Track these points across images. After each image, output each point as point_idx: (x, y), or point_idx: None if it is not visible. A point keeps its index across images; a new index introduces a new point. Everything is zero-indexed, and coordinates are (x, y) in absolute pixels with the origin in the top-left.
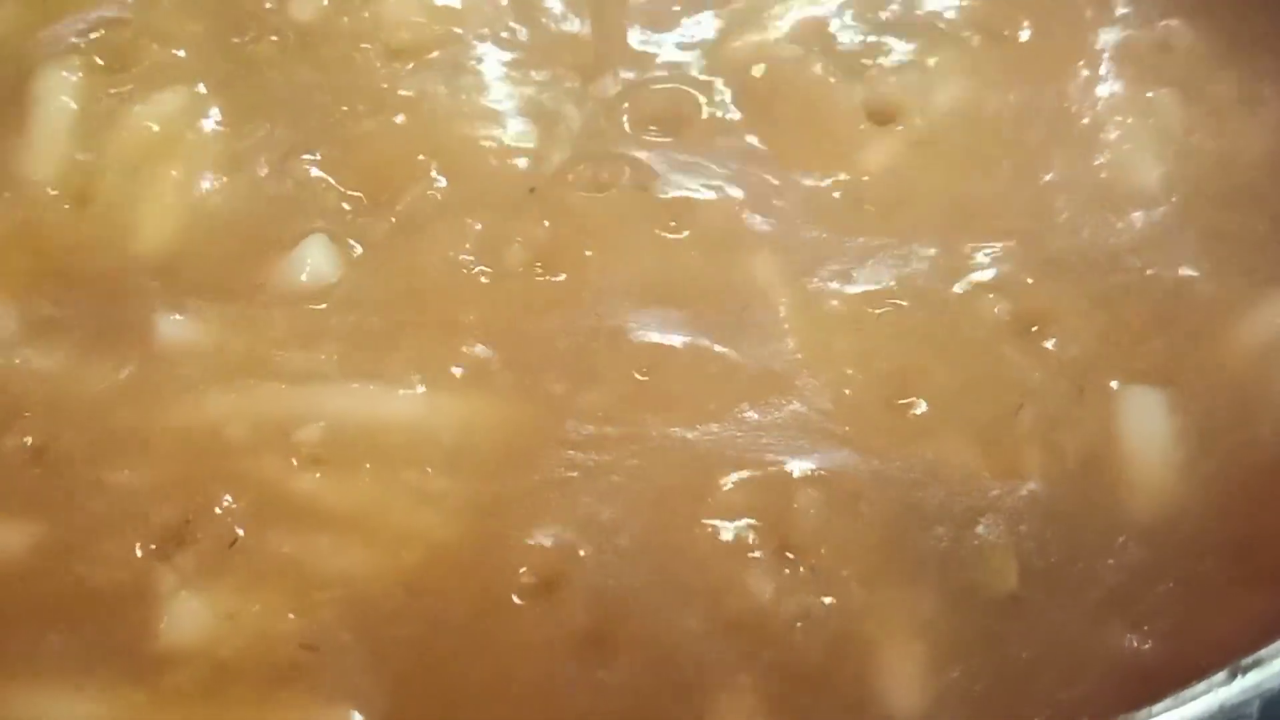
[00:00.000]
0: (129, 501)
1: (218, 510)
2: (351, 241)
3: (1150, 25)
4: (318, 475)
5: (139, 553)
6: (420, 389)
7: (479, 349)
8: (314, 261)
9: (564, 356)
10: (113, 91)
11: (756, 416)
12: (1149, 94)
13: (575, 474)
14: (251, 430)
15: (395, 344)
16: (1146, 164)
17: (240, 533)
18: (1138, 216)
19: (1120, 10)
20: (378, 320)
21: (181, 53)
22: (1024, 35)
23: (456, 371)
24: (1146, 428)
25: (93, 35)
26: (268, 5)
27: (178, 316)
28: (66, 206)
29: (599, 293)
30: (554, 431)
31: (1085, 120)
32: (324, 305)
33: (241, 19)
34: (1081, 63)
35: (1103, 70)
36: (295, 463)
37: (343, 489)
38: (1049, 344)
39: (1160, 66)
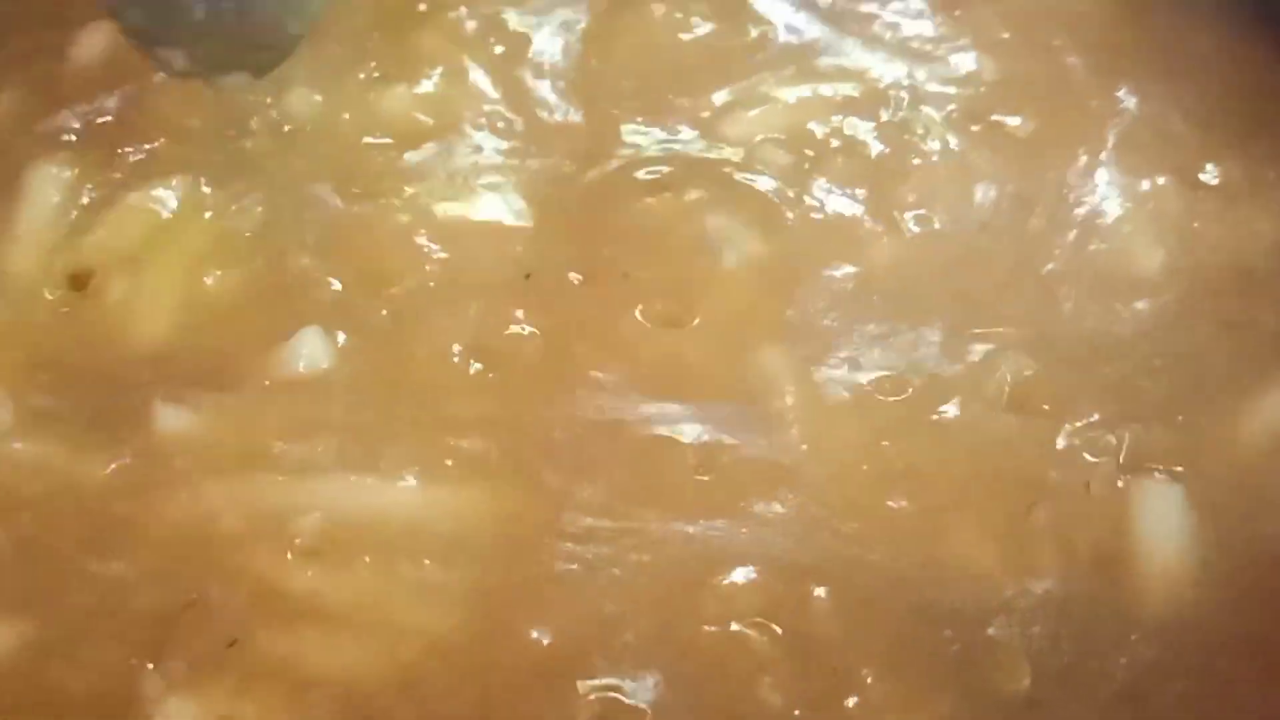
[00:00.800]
0: (120, 597)
1: (212, 607)
2: (347, 332)
3: (1153, 116)
4: (314, 569)
5: (128, 654)
6: (416, 481)
7: (474, 441)
8: (309, 352)
9: (561, 448)
10: (108, 183)
11: (762, 511)
12: (1149, 181)
13: (575, 567)
14: (246, 522)
15: (391, 435)
16: (1147, 250)
17: (236, 632)
18: (1142, 305)
19: (1123, 100)
20: (373, 411)
21: (178, 146)
22: (1025, 125)
23: (451, 463)
24: (1160, 523)
25: (89, 127)
26: (265, 100)
27: (175, 407)
28: (58, 300)
29: (598, 383)
30: (552, 524)
31: (1085, 208)
32: (320, 396)
33: (238, 113)
34: (1082, 151)
35: (1103, 158)
36: (290, 556)
37: (340, 583)
38: (1059, 436)
39: (1162, 153)
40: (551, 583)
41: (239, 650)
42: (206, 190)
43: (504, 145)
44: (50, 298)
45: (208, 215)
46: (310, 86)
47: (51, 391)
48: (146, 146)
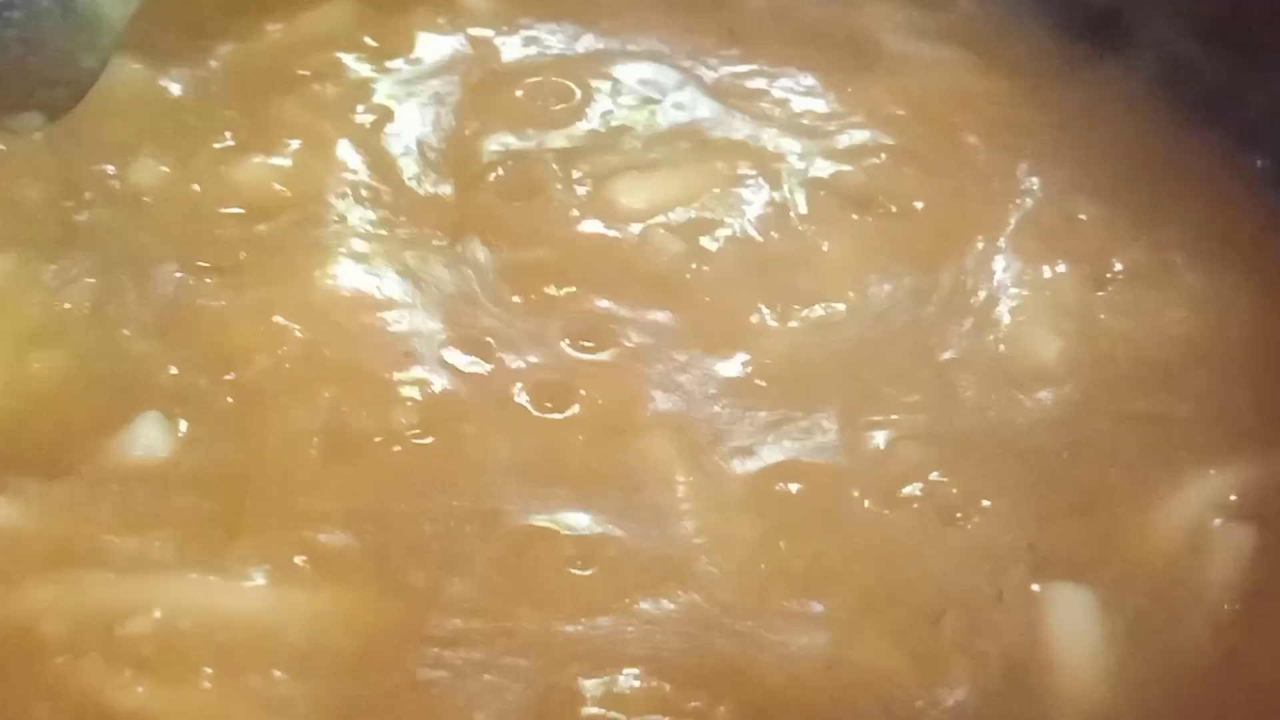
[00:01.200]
0: None
1: None
2: (189, 418)
3: (1056, 198)
4: (146, 682)
5: None
6: (265, 581)
7: (332, 536)
8: (147, 440)
9: (430, 542)
10: None
11: (650, 609)
12: (1049, 268)
13: (443, 673)
14: (70, 626)
15: (238, 530)
16: (1044, 340)
17: None
18: (1045, 396)
19: (1024, 181)
20: (218, 504)
21: (8, 218)
22: (922, 207)
23: (305, 561)
24: (1072, 629)
25: None
26: (108, 170)
27: None
28: None
29: (474, 470)
30: (417, 627)
31: (983, 295)
32: (158, 487)
33: (78, 183)
34: (981, 235)
35: (1002, 243)
36: (121, 667)
37: (176, 698)
38: (964, 535)
39: (1064, 240)
40: (415, 692)
41: None
42: (38, 266)
43: (371, 216)
44: None
45: (39, 293)
46: (157, 157)
47: None
48: None
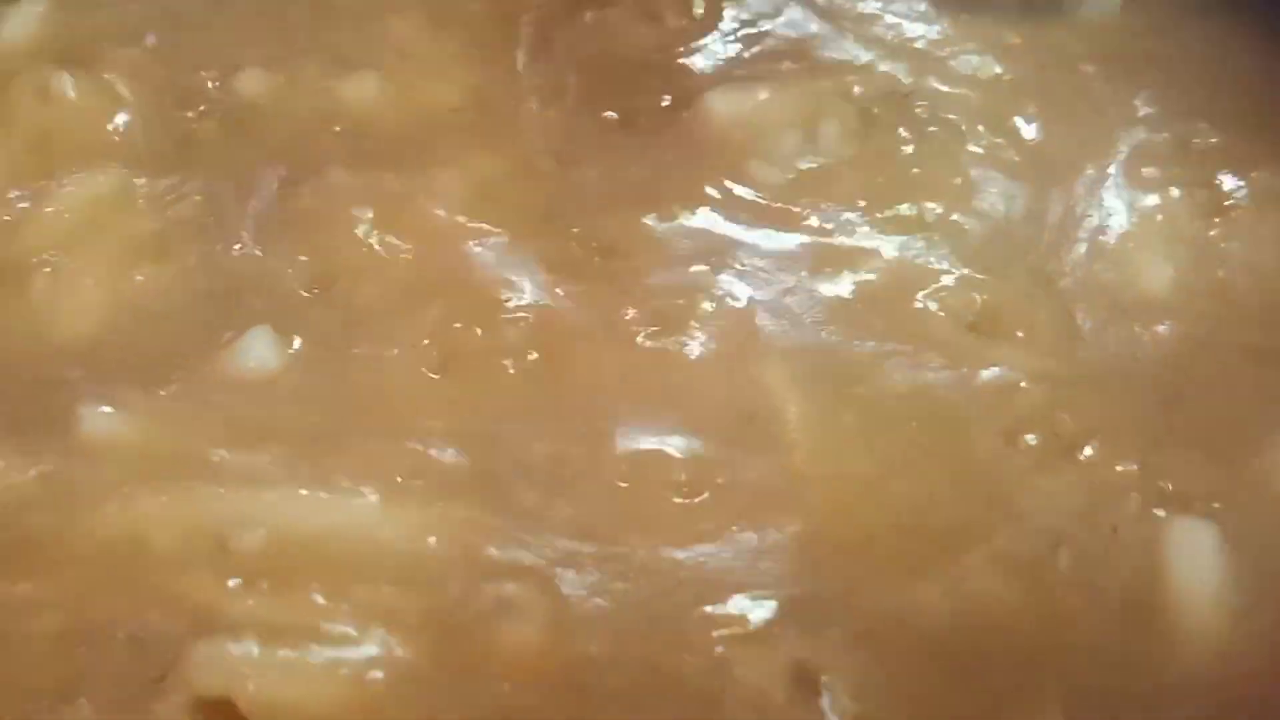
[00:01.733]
0: (34, 624)
1: (139, 637)
2: (298, 333)
3: (1173, 126)
4: (257, 595)
5: (41, 690)
6: (373, 496)
7: (442, 453)
8: (258, 353)
9: (540, 462)
10: (39, 172)
11: (755, 539)
12: (1162, 195)
13: (550, 592)
14: (181, 540)
15: (348, 446)
16: (1155, 267)
17: (165, 665)
18: (1164, 329)
19: (1142, 110)
20: (328, 419)
21: (118, 126)
22: (1035, 133)
23: (415, 479)
24: (1194, 565)
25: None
26: (211, 82)
27: (104, 408)
28: None
29: (585, 393)
30: (527, 546)
31: (1094, 222)
32: (267, 401)
33: (185, 94)
34: (1094, 162)
35: (1114, 169)
36: (230, 579)
37: (286, 608)
38: (1082, 469)
39: (1180, 167)
40: (524, 608)
41: (168, 687)
42: (142, 180)
43: (474, 136)
44: None
45: (143, 207)
46: (265, 68)
47: None
48: (84, 131)
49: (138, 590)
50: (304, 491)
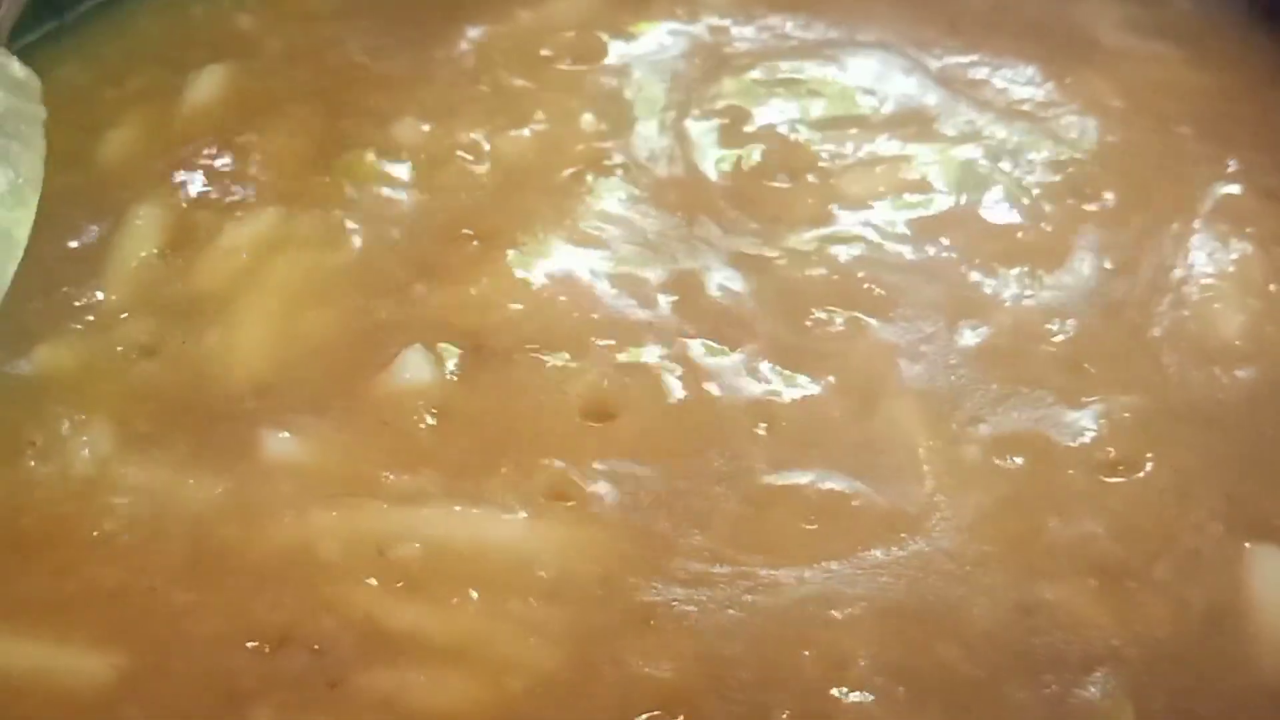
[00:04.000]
0: (219, 626)
1: (314, 644)
2: (460, 363)
3: (1260, 185)
4: (417, 604)
5: (223, 691)
6: (523, 515)
7: (587, 481)
8: (413, 373)
9: (679, 496)
10: (208, 220)
11: (880, 555)
12: (1241, 250)
13: (685, 608)
14: (345, 550)
15: (498, 468)
16: (1226, 317)
17: (336, 670)
18: (1244, 374)
19: (1230, 167)
20: (484, 445)
21: (277, 175)
22: (1130, 192)
23: (559, 501)
24: (1274, 587)
25: (201, 163)
26: (370, 129)
27: (283, 434)
28: (154, 336)
29: (726, 433)
30: (664, 567)
31: (1180, 274)
32: (426, 426)
33: (343, 139)
34: (1184, 221)
35: (1200, 226)
36: (392, 587)
37: (444, 618)
38: (1173, 498)
39: (1263, 224)
40: (658, 623)
41: (340, 690)
42: (301, 219)
43: (618, 191)
44: (145, 335)
45: (306, 248)
46: (419, 118)
47: (155, 420)
48: (250, 178)
49: (312, 595)
50: (458, 507)
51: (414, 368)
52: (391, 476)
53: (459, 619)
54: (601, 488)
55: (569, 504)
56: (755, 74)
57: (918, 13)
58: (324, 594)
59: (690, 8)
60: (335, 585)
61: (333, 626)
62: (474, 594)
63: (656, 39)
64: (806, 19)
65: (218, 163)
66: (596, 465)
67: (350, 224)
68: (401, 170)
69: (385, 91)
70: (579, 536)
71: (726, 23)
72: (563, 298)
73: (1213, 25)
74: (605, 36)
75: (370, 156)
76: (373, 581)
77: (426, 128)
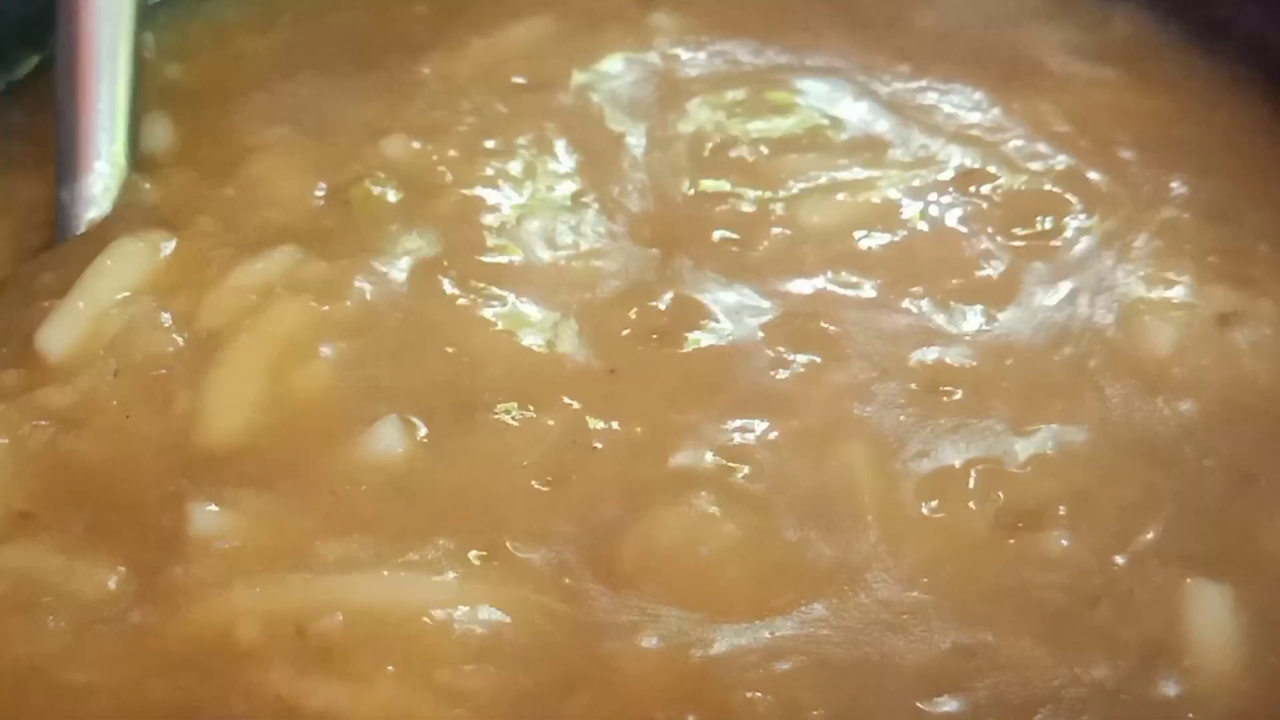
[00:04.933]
0: (110, 707)
1: None
2: (423, 433)
3: (1203, 210)
4: (332, 682)
5: None
6: (451, 577)
7: (522, 547)
8: (386, 444)
9: (611, 559)
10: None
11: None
12: (1188, 277)
13: (614, 672)
14: (263, 628)
15: (433, 533)
16: (1169, 344)
17: None
18: (1184, 406)
19: (1176, 193)
20: (424, 509)
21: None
22: (1079, 217)
23: (489, 563)
24: (1209, 623)
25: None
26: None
27: (212, 508)
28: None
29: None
30: (594, 627)
31: (1125, 302)
32: (377, 496)
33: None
34: (1129, 243)
35: (1142, 248)
36: (309, 664)
37: (361, 692)
38: (1113, 535)
39: (1204, 247)
40: (592, 685)
41: None
42: (306, 262)
43: (595, 225)
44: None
45: (304, 294)
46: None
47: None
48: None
49: (227, 681)
50: (385, 573)
51: (387, 439)
52: (323, 545)
53: (378, 694)
54: (537, 554)
55: (501, 567)
56: (711, 99)
57: (865, 38)
58: (235, 676)
59: (642, 36)
60: (248, 667)
61: (243, 710)
62: (392, 667)
63: (610, 66)
64: (756, 45)
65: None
66: (535, 531)
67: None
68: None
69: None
70: (508, 597)
71: (678, 50)
72: (541, 355)
73: (1152, 47)
74: (559, 65)
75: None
76: (289, 660)
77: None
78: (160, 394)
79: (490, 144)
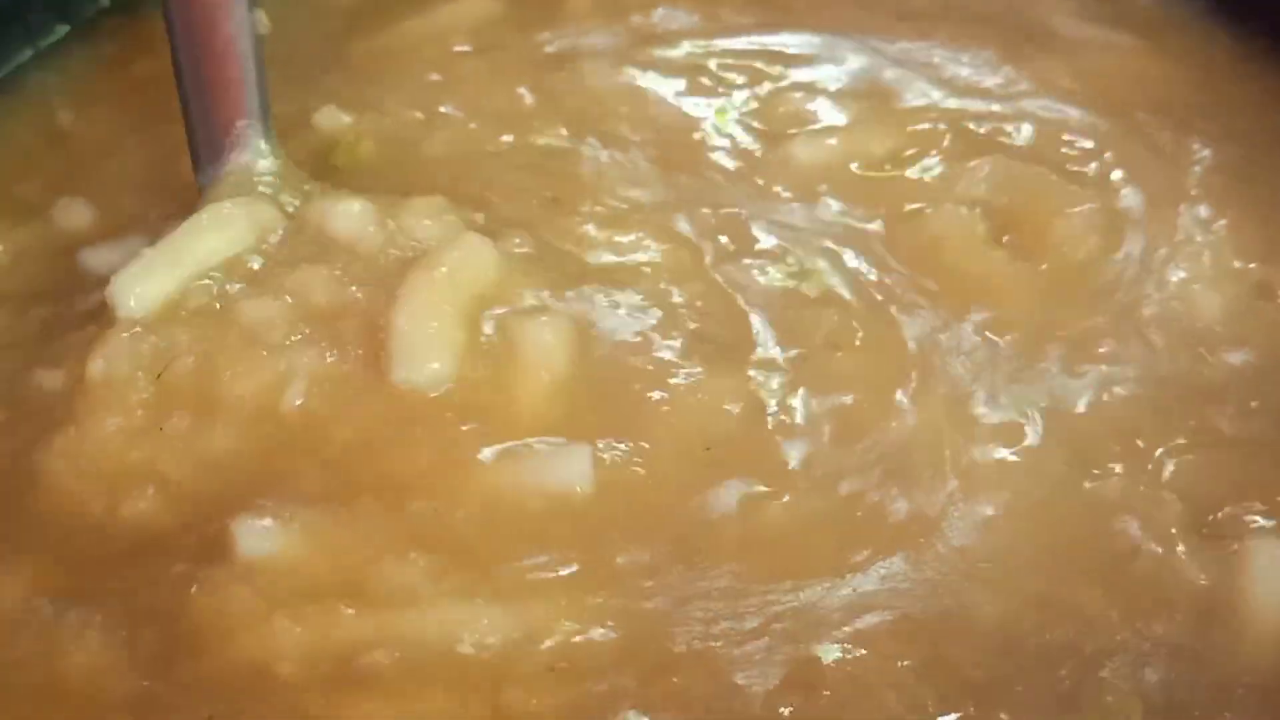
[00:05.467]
0: None
1: None
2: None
3: (1226, 173)
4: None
5: None
6: (499, 608)
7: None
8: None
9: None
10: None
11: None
12: (1216, 236)
13: (699, 662)
14: (307, 664)
15: (491, 567)
16: (1207, 300)
17: None
18: (1234, 358)
19: (1197, 155)
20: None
21: None
22: (1094, 170)
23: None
24: (1272, 577)
25: None
26: None
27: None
28: None
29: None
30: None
31: (1160, 257)
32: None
33: None
34: (1151, 202)
35: (1171, 211)
36: (354, 698)
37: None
38: (1168, 483)
39: (1232, 210)
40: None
41: None
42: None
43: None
44: None
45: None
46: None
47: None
48: None
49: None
50: (445, 603)
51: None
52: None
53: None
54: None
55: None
56: (690, 49)
57: (861, 6)
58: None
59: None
60: (291, 700)
61: None
62: (442, 695)
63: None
64: (740, 4)
65: None
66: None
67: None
68: None
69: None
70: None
71: (654, 18)
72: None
73: (1171, 18)
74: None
75: None
76: (330, 695)
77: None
78: None
79: None
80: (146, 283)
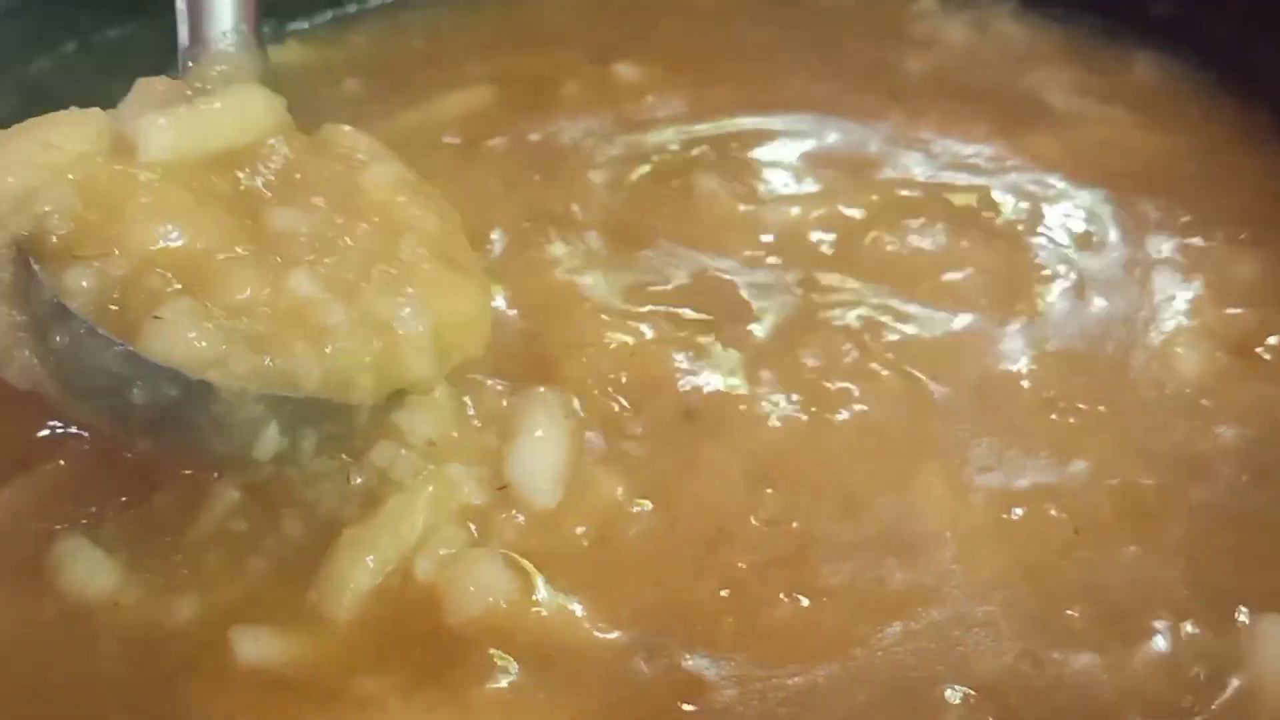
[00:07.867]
0: None
1: None
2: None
3: (1213, 248)
4: None
5: None
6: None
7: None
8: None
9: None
10: None
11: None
12: (1199, 305)
13: None
14: None
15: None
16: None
17: None
18: (1223, 430)
19: (1178, 225)
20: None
21: None
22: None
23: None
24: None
25: None
26: None
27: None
28: None
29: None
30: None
31: (1145, 318)
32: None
33: None
34: (1133, 273)
35: (1150, 282)
36: None
37: None
38: (1180, 560)
39: (1217, 288)
40: None
41: None
42: None
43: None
44: None
45: None
46: None
47: None
48: None
49: None
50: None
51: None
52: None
53: None
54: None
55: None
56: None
57: (851, 85)
58: None
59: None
60: None
61: None
62: None
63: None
64: (730, 88)
65: None
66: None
67: None
68: None
69: None
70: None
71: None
72: None
73: (1172, 92)
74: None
75: None
76: None
77: None
78: None
79: None
80: None
